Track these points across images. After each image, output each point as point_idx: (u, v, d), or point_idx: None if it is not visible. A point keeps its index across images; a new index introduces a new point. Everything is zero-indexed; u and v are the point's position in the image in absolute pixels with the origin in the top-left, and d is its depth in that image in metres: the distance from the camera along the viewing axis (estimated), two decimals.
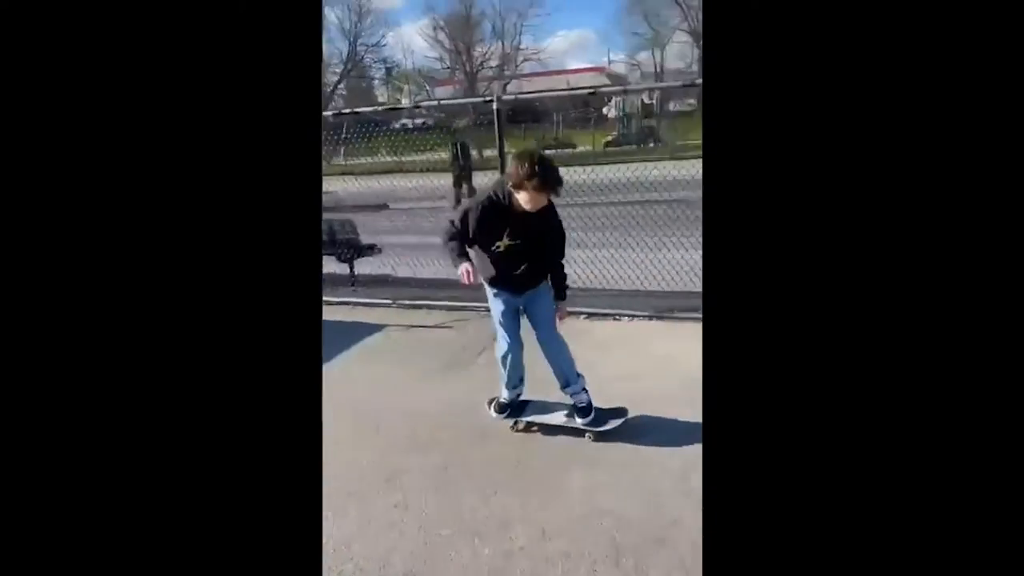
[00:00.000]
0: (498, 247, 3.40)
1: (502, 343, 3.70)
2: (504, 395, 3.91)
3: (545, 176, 3.14)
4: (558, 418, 3.85)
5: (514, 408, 3.95)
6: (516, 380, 3.84)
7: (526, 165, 3.14)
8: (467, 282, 3.35)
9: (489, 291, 3.67)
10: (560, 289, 3.65)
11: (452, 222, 3.40)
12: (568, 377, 3.72)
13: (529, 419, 3.90)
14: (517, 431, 3.87)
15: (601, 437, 3.69)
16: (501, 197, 3.29)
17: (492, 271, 3.51)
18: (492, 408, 3.99)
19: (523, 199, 3.23)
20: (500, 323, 3.66)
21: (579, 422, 3.75)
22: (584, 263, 6.40)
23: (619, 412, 3.82)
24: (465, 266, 3.34)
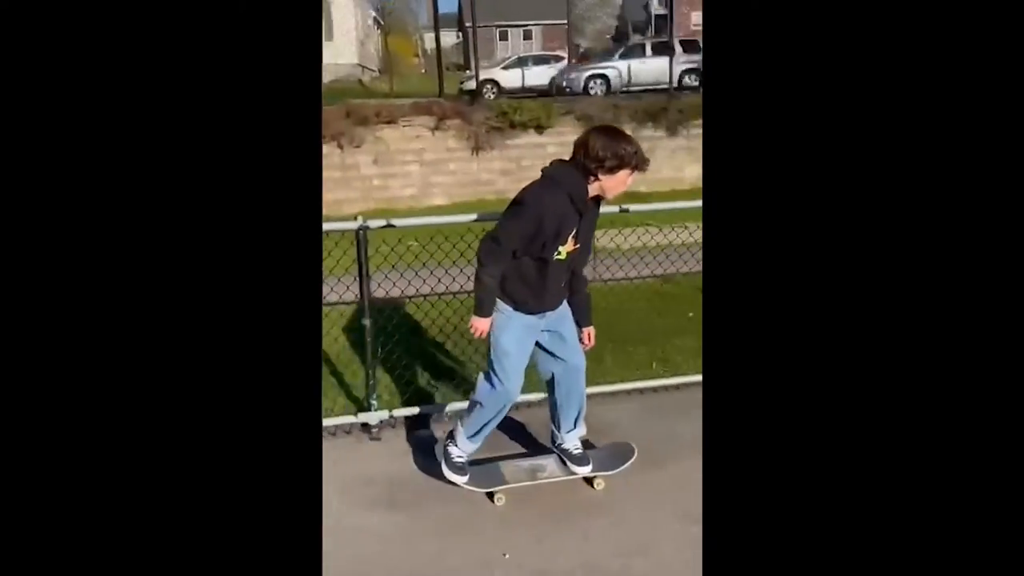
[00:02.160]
0: (559, 255, 2.70)
1: (507, 383, 2.80)
2: (466, 448, 3.03)
3: (639, 152, 2.62)
4: (555, 472, 3.18)
5: (472, 471, 3.07)
6: (487, 434, 3.02)
7: (625, 142, 2.60)
8: (479, 335, 2.78)
9: (507, 315, 2.77)
10: (588, 310, 2.94)
11: (500, 238, 2.65)
12: (579, 419, 3.10)
13: (513, 485, 3.08)
14: (500, 503, 3.04)
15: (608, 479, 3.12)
16: (579, 188, 2.63)
17: (528, 293, 2.75)
18: (449, 469, 3.04)
19: (614, 185, 2.64)
20: (510, 355, 2.78)
21: (585, 471, 3.12)
22: None
23: (624, 450, 3.26)
24: (487, 322, 2.76)
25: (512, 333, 2.79)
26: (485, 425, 2.98)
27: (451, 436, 3.06)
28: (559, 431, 3.16)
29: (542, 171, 2.71)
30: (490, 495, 3.10)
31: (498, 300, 2.77)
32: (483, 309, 2.76)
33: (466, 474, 3.07)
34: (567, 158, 2.72)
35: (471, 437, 3.03)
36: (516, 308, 2.79)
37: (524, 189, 2.68)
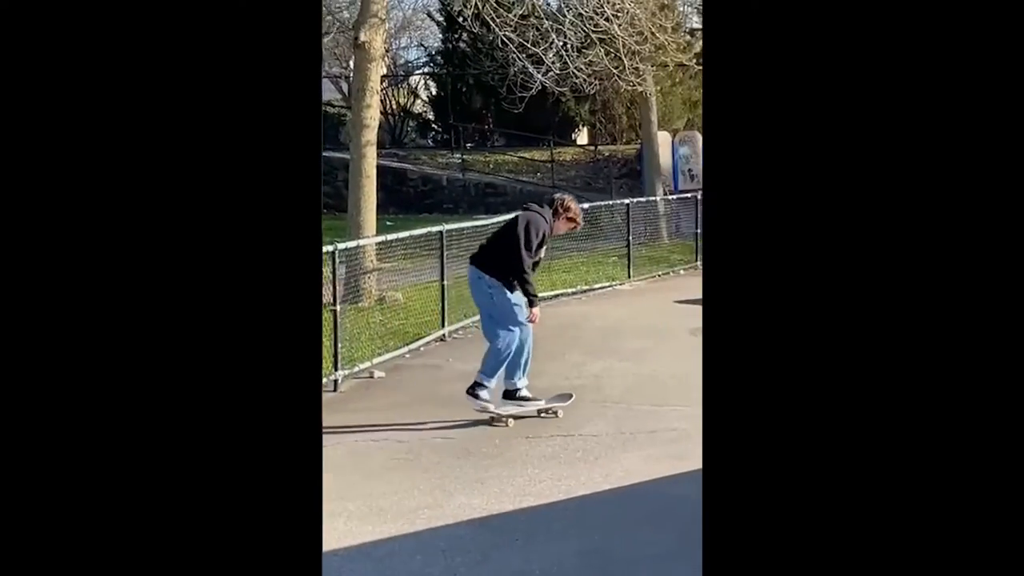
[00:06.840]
0: (538, 258, 4.98)
1: (519, 329, 4.77)
2: (492, 383, 4.79)
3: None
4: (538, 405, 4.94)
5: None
6: (502, 368, 4.84)
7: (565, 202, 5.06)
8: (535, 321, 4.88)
9: (510, 293, 4.80)
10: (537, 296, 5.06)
11: (530, 248, 4.78)
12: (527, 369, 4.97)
13: (518, 412, 4.87)
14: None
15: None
16: (548, 222, 4.91)
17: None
18: (487, 404, 4.76)
19: (559, 227, 5.06)
20: (519, 314, 4.81)
21: (565, 403, 4.98)
22: None
23: (565, 395, 5.02)
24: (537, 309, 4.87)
25: (521, 305, 4.87)
26: (501, 362, 4.81)
27: (476, 387, 4.80)
28: (517, 379, 4.91)
29: (527, 207, 5.11)
30: (503, 419, 4.88)
31: (502, 285, 4.77)
32: (534, 297, 4.91)
33: (495, 406, 4.84)
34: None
35: (494, 374, 4.82)
36: (512, 291, 4.84)
37: (521, 218, 4.90)
